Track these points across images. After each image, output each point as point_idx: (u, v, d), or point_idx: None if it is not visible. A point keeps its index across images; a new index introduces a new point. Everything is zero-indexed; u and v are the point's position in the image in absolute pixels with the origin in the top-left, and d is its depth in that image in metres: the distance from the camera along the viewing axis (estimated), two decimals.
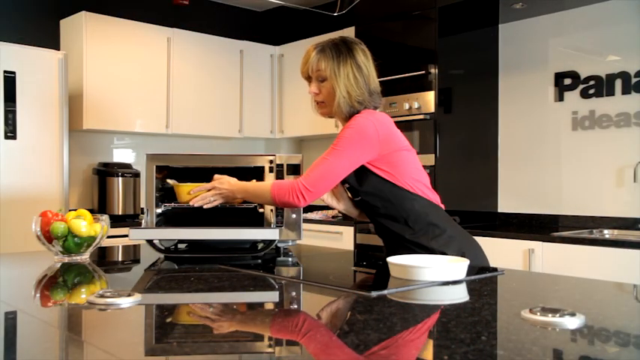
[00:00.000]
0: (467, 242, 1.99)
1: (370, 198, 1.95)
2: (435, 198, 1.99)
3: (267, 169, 2.15)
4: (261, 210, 2.19)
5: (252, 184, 2.02)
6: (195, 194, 2.09)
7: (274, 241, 2.14)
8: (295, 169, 2.15)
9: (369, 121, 1.90)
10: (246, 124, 5.26)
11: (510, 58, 4.14)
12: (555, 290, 1.64)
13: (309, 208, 5.05)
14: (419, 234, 1.92)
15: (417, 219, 1.92)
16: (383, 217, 1.96)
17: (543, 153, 3.96)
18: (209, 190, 2.05)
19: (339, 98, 1.95)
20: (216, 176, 2.07)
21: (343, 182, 2.03)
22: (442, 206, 2.00)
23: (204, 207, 2.06)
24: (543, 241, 3.26)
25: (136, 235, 2.07)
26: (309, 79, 2.05)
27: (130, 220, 4.44)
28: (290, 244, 2.24)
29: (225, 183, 2.03)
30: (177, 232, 2.16)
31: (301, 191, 1.85)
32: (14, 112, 3.78)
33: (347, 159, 1.87)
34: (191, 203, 2.07)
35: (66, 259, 1.99)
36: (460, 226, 2.04)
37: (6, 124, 3.74)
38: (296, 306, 1.46)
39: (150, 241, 2.14)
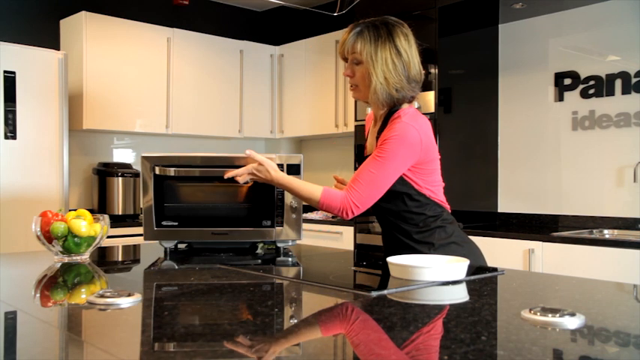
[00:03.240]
0: (469, 249, 1.99)
1: (388, 197, 1.91)
2: (445, 202, 2.00)
3: None
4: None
5: (299, 184, 1.90)
6: (230, 171, 1.94)
7: (274, 240, 2.14)
8: (295, 169, 2.15)
9: (413, 129, 1.83)
10: (246, 124, 5.26)
11: (510, 58, 4.14)
12: (555, 290, 1.64)
13: (309, 208, 5.04)
14: (425, 234, 1.93)
15: (426, 222, 1.93)
16: (393, 215, 1.95)
17: (543, 153, 3.96)
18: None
19: (375, 84, 1.87)
20: (260, 161, 1.90)
21: None
22: (448, 207, 2.01)
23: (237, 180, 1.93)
24: (543, 241, 3.26)
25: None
26: (346, 59, 1.96)
27: (130, 220, 4.44)
28: (290, 244, 2.25)
29: (264, 172, 1.90)
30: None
31: (351, 208, 1.83)
32: (14, 112, 3.78)
33: (392, 169, 1.83)
34: (225, 176, 1.95)
35: (66, 259, 1.99)
36: (463, 231, 2.04)
37: (6, 124, 3.74)
38: (296, 306, 1.46)
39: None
